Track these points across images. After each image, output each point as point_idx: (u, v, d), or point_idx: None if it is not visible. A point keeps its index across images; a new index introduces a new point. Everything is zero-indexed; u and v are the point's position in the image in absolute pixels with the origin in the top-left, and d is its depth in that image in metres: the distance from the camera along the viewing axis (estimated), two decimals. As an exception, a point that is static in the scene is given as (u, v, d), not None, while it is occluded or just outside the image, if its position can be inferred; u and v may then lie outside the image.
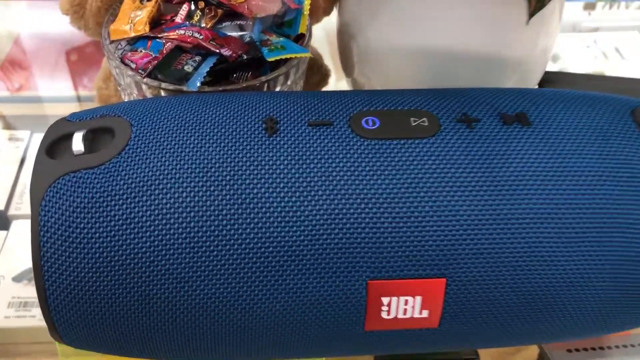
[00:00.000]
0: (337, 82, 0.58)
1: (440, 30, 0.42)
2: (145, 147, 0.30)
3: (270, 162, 0.29)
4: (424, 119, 0.31)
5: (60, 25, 0.49)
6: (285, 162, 0.29)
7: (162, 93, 0.39)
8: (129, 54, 0.39)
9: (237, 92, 0.34)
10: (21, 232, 0.46)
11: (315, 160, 0.29)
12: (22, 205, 0.48)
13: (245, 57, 0.39)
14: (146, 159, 0.29)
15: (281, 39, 0.41)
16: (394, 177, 0.29)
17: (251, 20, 0.41)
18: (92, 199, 0.28)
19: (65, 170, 0.29)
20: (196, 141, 0.30)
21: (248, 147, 0.30)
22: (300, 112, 0.32)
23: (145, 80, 0.38)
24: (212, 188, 0.29)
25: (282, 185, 0.29)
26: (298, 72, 0.42)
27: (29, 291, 0.42)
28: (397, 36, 0.43)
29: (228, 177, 0.29)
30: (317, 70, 0.51)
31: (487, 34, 0.42)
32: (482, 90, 0.35)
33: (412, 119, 0.31)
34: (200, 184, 0.29)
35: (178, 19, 0.40)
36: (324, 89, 0.55)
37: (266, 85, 0.40)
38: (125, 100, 0.34)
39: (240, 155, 0.29)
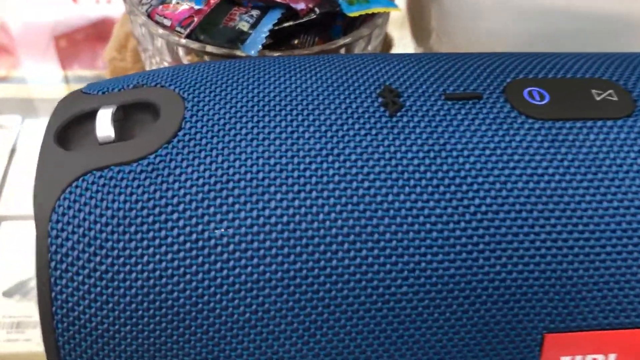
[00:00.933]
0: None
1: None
2: (210, 133, 0.20)
3: (400, 158, 0.19)
4: (610, 91, 0.22)
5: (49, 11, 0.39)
6: (421, 155, 0.19)
7: (207, 59, 0.29)
8: (160, 7, 0.29)
9: (323, 55, 0.24)
10: (12, 235, 0.36)
11: (467, 154, 0.20)
12: (13, 203, 0.38)
13: (318, 11, 0.29)
14: (212, 151, 0.19)
15: (361, -11, 0.31)
16: (583, 178, 0.19)
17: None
18: (131, 211, 0.18)
19: (88, 167, 0.19)
20: (286, 127, 0.20)
21: (362, 134, 0.20)
22: (429, 80, 0.22)
23: (185, 41, 0.28)
24: (317, 200, 0.19)
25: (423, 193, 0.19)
26: (380, 35, 0.32)
27: (23, 309, 0.33)
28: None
29: (341, 183, 0.19)
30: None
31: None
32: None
33: (593, 91, 0.22)
34: (300, 192, 0.19)
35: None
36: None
37: (344, 50, 0.30)
38: (169, 66, 0.25)
39: (353, 148, 0.19)
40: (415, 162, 0.19)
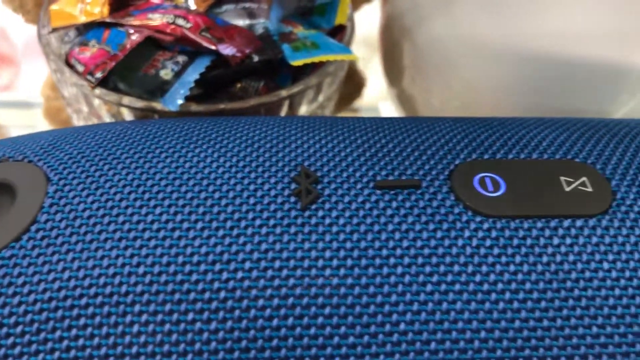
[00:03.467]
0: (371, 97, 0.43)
1: (548, 17, 0.28)
2: (69, 229, 0.16)
3: (308, 267, 0.15)
4: (583, 178, 0.17)
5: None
6: (335, 263, 0.15)
7: (125, 113, 0.25)
8: (77, 49, 0.25)
9: (243, 117, 0.20)
10: None
11: (394, 263, 0.15)
12: None
13: (256, 58, 0.25)
14: (68, 253, 0.15)
15: (312, 32, 0.27)
16: (541, 297, 0.15)
17: (265, 2, 0.27)
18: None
19: None
20: (167, 222, 0.16)
21: (263, 234, 0.16)
22: (359, 160, 0.17)
23: (97, 91, 0.24)
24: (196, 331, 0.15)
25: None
26: (334, 84, 0.28)
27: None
28: (486, 28, 0.29)
29: (227, 301, 0.15)
30: (349, 79, 0.37)
31: (621, 21, 0.28)
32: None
33: (562, 178, 0.17)
34: (173, 314, 0.15)
35: (154, -2, 0.26)
36: (357, 103, 0.41)
37: (287, 103, 0.26)
38: (51, 130, 0.21)
39: (249, 255, 0.15)
40: (328, 272, 0.15)
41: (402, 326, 0.15)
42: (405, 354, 0.15)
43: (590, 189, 0.17)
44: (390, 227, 0.16)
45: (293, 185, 0.16)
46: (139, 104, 0.24)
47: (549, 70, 0.30)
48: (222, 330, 0.14)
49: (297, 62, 0.25)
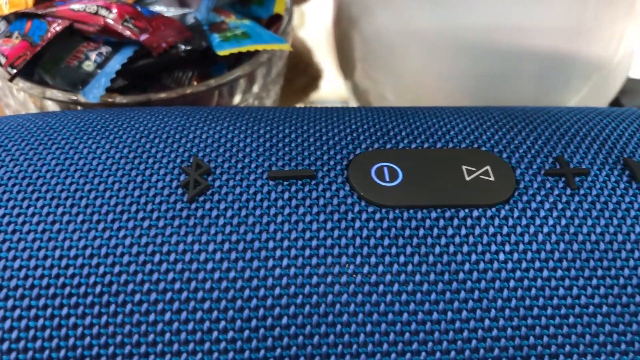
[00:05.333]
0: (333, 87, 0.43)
1: (491, 10, 0.28)
2: None
3: (189, 262, 0.15)
4: (487, 167, 0.17)
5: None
6: (218, 257, 0.15)
7: (50, 106, 0.24)
8: (1, 41, 0.25)
9: (148, 108, 0.20)
10: None
11: (280, 254, 0.15)
12: None
13: (183, 48, 0.24)
14: None
15: (245, 21, 0.26)
16: (432, 290, 0.15)
17: (197, -9, 0.26)
18: None
19: None
20: (48, 216, 0.15)
21: (145, 227, 0.15)
22: (256, 151, 0.17)
23: (21, 84, 0.23)
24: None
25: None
26: (271, 74, 0.27)
27: None
28: (425, 19, 0.29)
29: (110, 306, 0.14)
30: (302, 71, 0.36)
31: (559, 15, 0.28)
32: (574, 112, 0.20)
33: (464, 167, 0.17)
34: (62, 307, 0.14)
35: (81, -12, 0.26)
36: (315, 95, 0.40)
37: (217, 93, 0.25)
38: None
39: (129, 248, 0.15)
40: (210, 266, 0.15)
41: (284, 320, 0.14)
42: (288, 349, 0.14)
43: (492, 178, 0.17)
44: (279, 218, 0.15)
45: (183, 177, 0.16)
46: (63, 96, 0.23)
47: (491, 61, 0.29)
48: (96, 326, 0.14)
49: (223, 52, 0.24)
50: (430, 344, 0.15)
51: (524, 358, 0.15)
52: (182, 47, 0.24)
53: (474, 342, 0.15)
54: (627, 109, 0.20)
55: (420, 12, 0.29)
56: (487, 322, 0.15)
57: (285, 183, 0.16)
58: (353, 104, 0.39)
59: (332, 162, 0.17)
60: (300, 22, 0.45)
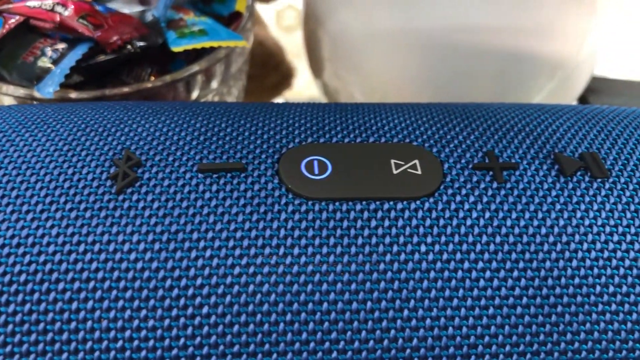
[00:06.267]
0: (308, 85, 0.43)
1: (450, 10, 0.28)
2: None
3: (113, 251, 0.15)
4: (415, 161, 0.17)
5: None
6: (142, 247, 0.15)
7: (6, 100, 0.25)
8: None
9: (91, 102, 0.20)
10: None
11: (203, 245, 0.15)
12: None
13: (138, 44, 0.25)
14: None
15: (203, 19, 0.27)
16: (352, 279, 0.15)
17: (156, -12, 0.26)
18: None
19: None
20: None
21: (72, 218, 0.15)
22: (190, 144, 0.17)
23: (-25, 79, 0.24)
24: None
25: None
26: (230, 70, 0.28)
27: None
28: (386, 18, 0.29)
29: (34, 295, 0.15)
30: (273, 69, 0.37)
31: (518, 14, 0.28)
32: (513, 108, 0.20)
33: (393, 161, 0.17)
34: None
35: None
36: (289, 94, 0.41)
37: (174, 89, 0.26)
38: None
39: (55, 239, 0.15)
40: (133, 256, 0.15)
41: (205, 310, 0.15)
42: (207, 337, 0.15)
43: (419, 172, 0.17)
44: (205, 210, 0.16)
45: (113, 169, 0.16)
46: (19, 92, 0.24)
47: (453, 60, 0.30)
48: (19, 313, 0.14)
49: (178, 49, 0.25)
50: (348, 333, 0.15)
51: (442, 348, 0.15)
52: (138, 43, 0.25)
53: (392, 331, 0.15)
54: (565, 105, 0.21)
55: (382, 11, 0.29)
56: (405, 312, 0.15)
57: (214, 176, 0.16)
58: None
59: (263, 156, 0.17)
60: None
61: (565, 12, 0.29)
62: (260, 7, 0.40)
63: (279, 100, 0.40)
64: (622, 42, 0.45)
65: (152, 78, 0.26)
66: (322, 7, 0.32)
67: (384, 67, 0.31)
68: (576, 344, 0.15)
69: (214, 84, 0.27)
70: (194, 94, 0.27)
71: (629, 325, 0.15)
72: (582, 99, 0.37)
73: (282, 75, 0.38)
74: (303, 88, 0.43)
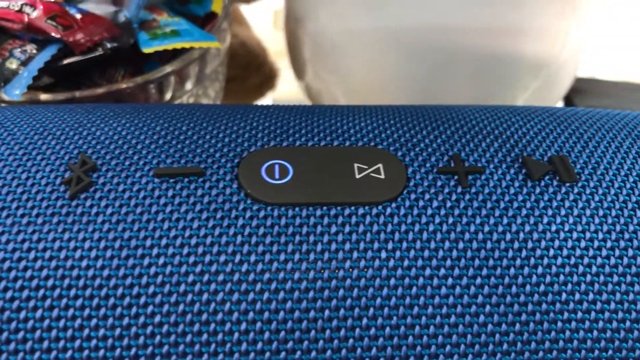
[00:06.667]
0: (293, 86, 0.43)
1: (427, 10, 0.28)
2: None
3: (65, 258, 0.15)
4: (379, 165, 0.17)
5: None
6: (94, 254, 0.15)
7: (-26, 102, 0.24)
8: None
9: (53, 105, 0.20)
10: None
11: (157, 252, 0.15)
12: None
13: (109, 45, 0.24)
14: None
15: (176, 19, 0.26)
16: (310, 287, 0.15)
17: (128, -12, 0.26)
18: None
19: None
20: None
21: (24, 224, 0.15)
22: (149, 147, 0.17)
23: (-58, 81, 0.23)
24: None
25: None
26: (204, 72, 0.27)
27: None
28: (364, 19, 0.29)
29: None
30: (255, 70, 0.36)
31: (497, 14, 0.28)
32: (484, 110, 0.20)
33: (356, 164, 0.17)
34: None
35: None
36: (275, 95, 0.40)
37: (146, 90, 0.25)
38: None
39: (20, 244, 0.15)
40: (84, 263, 0.15)
41: (157, 318, 0.14)
42: (160, 346, 0.14)
43: (382, 176, 0.16)
44: (160, 216, 0.15)
45: (68, 174, 0.16)
46: (-14, 94, 0.23)
47: (432, 61, 0.29)
48: None
49: (148, 50, 0.24)
50: (305, 343, 0.14)
51: (401, 358, 0.15)
52: (108, 44, 0.24)
53: (350, 340, 0.15)
54: (538, 107, 0.20)
55: (360, 11, 0.29)
56: (364, 320, 0.15)
57: (171, 180, 0.16)
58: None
59: (223, 160, 0.17)
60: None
61: (545, 11, 0.29)
62: (258, 8, 0.39)
63: (266, 102, 0.40)
64: (607, 42, 0.44)
65: (128, 78, 0.25)
66: (302, 9, 0.32)
67: (363, 67, 0.31)
68: (540, 354, 0.15)
69: (188, 85, 0.27)
70: (167, 96, 0.26)
71: (595, 333, 0.15)
72: (568, 100, 0.36)
73: (265, 77, 0.37)
74: (292, 89, 0.43)
